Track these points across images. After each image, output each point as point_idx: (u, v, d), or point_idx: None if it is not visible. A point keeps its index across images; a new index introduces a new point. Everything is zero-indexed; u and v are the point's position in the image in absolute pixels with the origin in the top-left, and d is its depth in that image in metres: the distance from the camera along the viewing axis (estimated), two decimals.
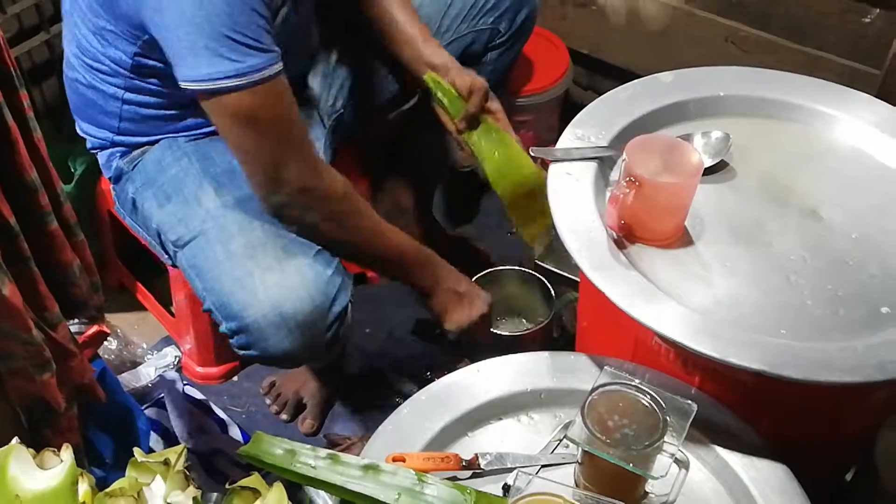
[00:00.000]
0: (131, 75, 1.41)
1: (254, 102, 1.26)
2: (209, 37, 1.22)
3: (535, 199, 1.57)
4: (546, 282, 1.76)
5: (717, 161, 1.30)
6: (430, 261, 1.52)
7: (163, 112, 1.47)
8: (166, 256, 1.52)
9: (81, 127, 1.55)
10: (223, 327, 1.39)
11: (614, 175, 1.28)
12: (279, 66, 1.28)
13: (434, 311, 1.56)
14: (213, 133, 1.46)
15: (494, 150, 1.59)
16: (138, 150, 1.52)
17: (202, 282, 1.40)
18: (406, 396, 1.15)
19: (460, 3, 1.72)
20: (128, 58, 1.38)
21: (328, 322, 1.38)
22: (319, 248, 1.41)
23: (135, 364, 1.89)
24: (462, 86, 1.57)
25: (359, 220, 1.43)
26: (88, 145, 1.57)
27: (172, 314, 1.90)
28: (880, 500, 1.38)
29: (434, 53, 1.59)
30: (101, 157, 1.56)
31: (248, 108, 1.26)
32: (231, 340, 1.40)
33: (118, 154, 1.54)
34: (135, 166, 1.51)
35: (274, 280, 1.34)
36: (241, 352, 1.40)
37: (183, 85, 1.27)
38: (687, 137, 1.29)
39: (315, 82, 1.70)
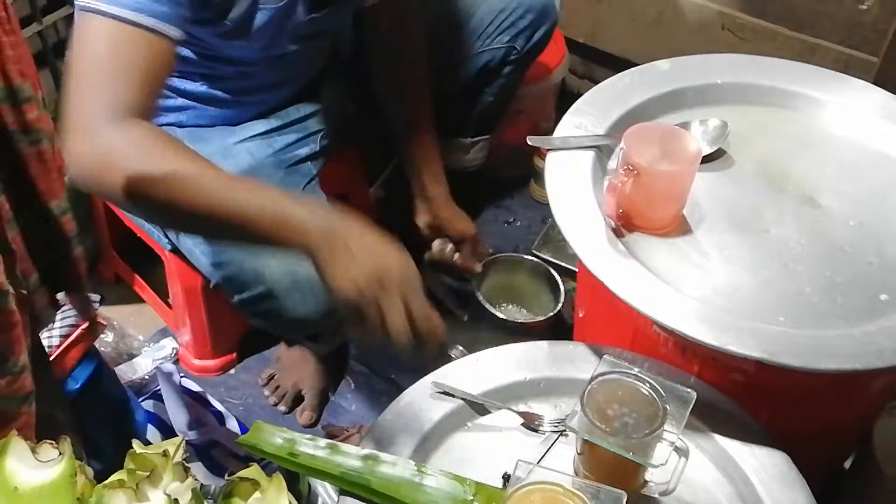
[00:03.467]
0: None
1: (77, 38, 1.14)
2: None
3: None
4: (553, 272, 1.74)
5: (715, 149, 1.29)
6: (295, 210, 1.07)
7: None
8: (166, 240, 1.52)
9: None
10: (236, 298, 1.39)
11: (612, 164, 1.28)
12: (141, 17, 1.13)
13: (334, 282, 1.04)
14: (206, 125, 1.47)
15: None
16: None
17: (208, 258, 1.41)
18: (404, 388, 1.15)
19: (478, 18, 1.69)
20: None
21: None
22: None
23: (131, 356, 1.89)
24: (453, 231, 1.61)
25: (181, 177, 1.10)
26: None
27: (169, 305, 1.89)
28: (878, 486, 1.38)
29: (432, 184, 1.63)
30: None
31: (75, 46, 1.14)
32: (245, 310, 1.40)
33: None
34: None
35: None
36: (256, 320, 1.41)
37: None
38: (684, 125, 1.29)
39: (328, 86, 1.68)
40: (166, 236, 1.51)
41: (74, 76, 1.13)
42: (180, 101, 1.46)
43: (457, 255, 1.65)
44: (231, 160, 1.43)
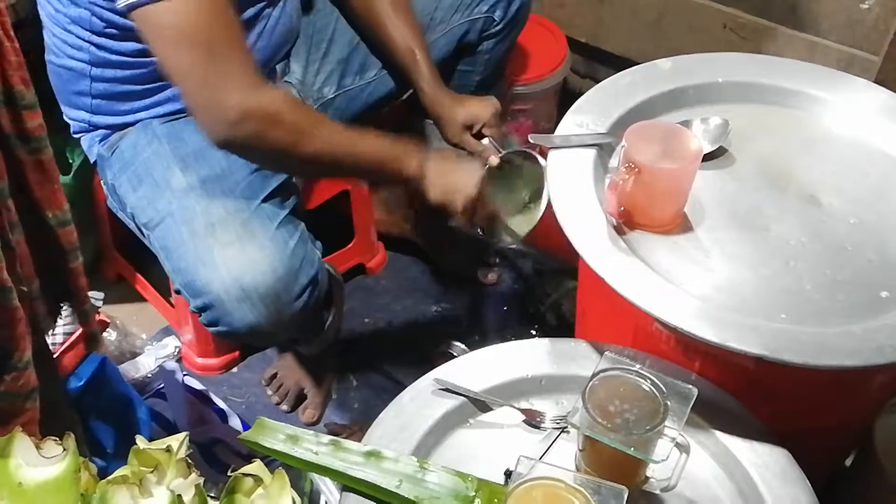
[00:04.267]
0: (94, 43, 1.41)
1: (186, 13, 1.21)
2: None
3: None
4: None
5: (716, 147, 1.30)
6: (406, 146, 1.41)
7: (131, 87, 1.48)
8: (145, 240, 1.52)
9: (64, 112, 1.56)
10: (191, 306, 1.40)
11: (613, 162, 1.28)
12: None
13: (435, 195, 1.42)
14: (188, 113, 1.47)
15: None
16: (116, 136, 1.52)
17: (170, 263, 1.42)
18: (406, 385, 1.15)
19: None
20: (86, 10, 1.37)
21: (294, 294, 1.38)
22: (281, 220, 1.41)
23: (134, 355, 1.89)
24: (481, 116, 1.57)
25: (318, 128, 1.33)
26: (72, 130, 1.57)
27: (172, 304, 1.90)
28: (879, 484, 1.38)
29: (437, 91, 1.60)
30: (84, 142, 1.58)
31: (180, 20, 1.21)
32: (200, 319, 1.41)
33: (98, 139, 1.54)
34: (113, 152, 1.52)
35: (234, 255, 1.35)
36: (211, 329, 1.41)
37: (119, 5, 1.23)
38: (686, 124, 1.29)
39: (298, 64, 1.68)
40: (142, 236, 1.51)
41: (190, 52, 1.23)
42: (160, 84, 1.47)
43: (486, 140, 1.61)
44: (204, 162, 1.43)
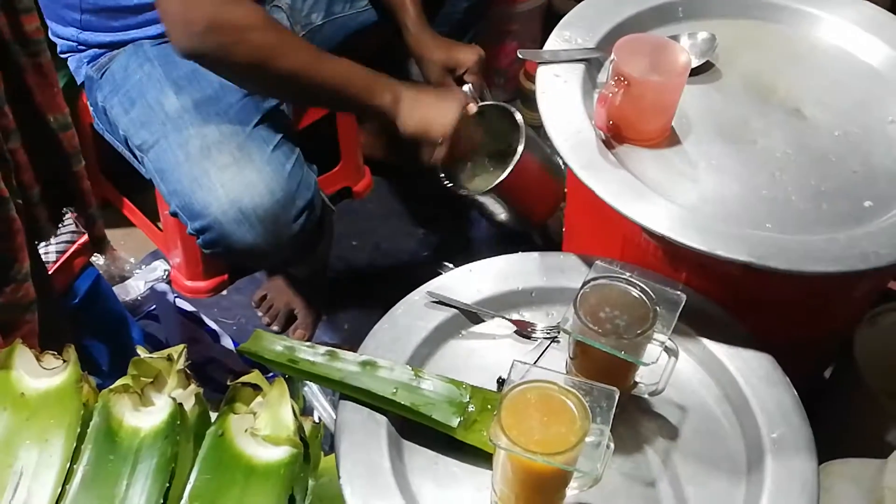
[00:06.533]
0: None
1: None
2: None
3: None
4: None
5: (703, 62, 1.30)
6: (380, 78, 1.39)
7: (121, 1, 1.47)
8: (136, 163, 1.52)
9: (51, 29, 1.55)
10: (189, 228, 1.41)
11: (602, 77, 1.28)
12: None
13: (408, 129, 1.41)
14: None
15: None
16: (105, 57, 1.51)
17: (165, 185, 1.42)
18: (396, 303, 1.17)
19: None
20: None
21: (292, 215, 1.39)
22: (277, 143, 1.41)
23: (123, 279, 1.90)
24: (464, 61, 1.55)
25: (289, 49, 1.32)
26: (59, 50, 1.56)
27: (160, 228, 1.91)
28: (859, 395, 1.42)
29: (422, 32, 1.58)
30: (71, 62, 1.56)
31: None
32: (197, 241, 1.42)
33: (86, 60, 1.53)
34: (103, 74, 1.51)
35: (231, 177, 1.35)
36: (208, 250, 1.42)
37: None
38: (673, 38, 1.30)
39: None
40: (136, 159, 1.51)
41: None
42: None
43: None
44: (197, 84, 1.42)
